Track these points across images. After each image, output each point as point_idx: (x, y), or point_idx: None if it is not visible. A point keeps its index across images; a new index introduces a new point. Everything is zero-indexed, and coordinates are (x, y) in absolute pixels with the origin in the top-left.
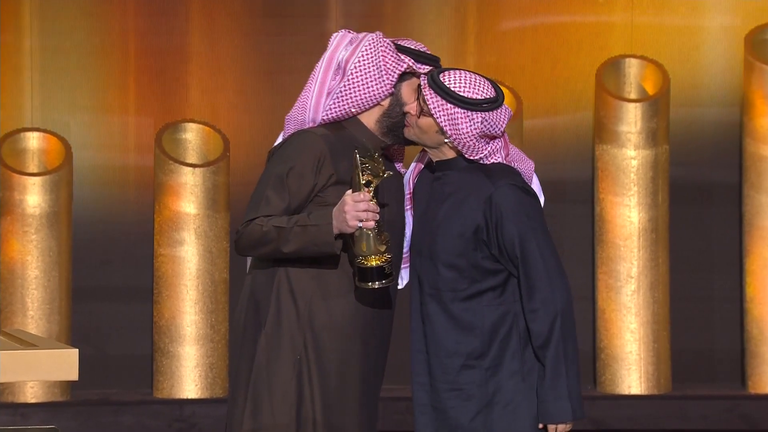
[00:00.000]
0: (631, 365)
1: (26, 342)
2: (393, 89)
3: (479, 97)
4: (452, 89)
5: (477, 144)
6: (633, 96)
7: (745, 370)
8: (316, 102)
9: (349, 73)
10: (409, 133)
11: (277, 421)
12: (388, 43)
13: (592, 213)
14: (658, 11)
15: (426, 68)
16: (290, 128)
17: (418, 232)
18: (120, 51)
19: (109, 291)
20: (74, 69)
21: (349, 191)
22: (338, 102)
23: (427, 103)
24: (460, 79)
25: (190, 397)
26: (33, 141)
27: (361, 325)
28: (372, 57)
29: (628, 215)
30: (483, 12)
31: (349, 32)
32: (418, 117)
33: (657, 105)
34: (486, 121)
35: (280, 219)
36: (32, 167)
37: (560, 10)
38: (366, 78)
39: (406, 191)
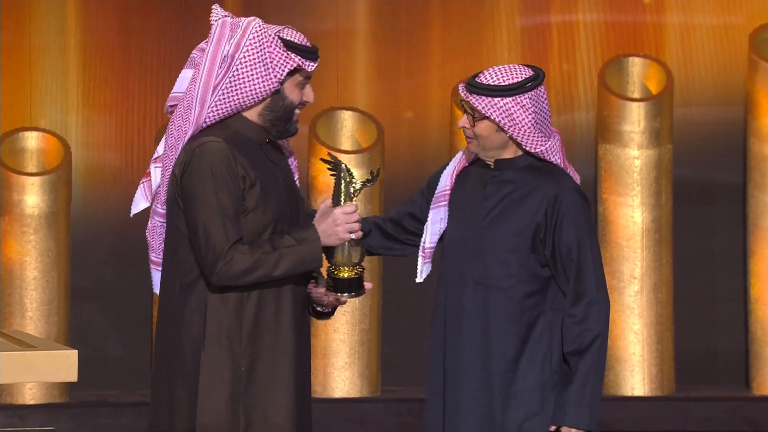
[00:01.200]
0: (635, 367)
1: (25, 343)
2: (279, 86)
3: (520, 79)
4: (493, 84)
5: (536, 134)
6: (636, 95)
7: (749, 371)
8: (202, 98)
9: (234, 69)
10: (473, 147)
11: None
12: (273, 37)
13: (595, 213)
14: (661, 10)
15: (311, 64)
16: (173, 129)
17: (460, 227)
18: (119, 50)
19: (108, 292)
20: (73, 68)
21: (327, 201)
22: (223, 98)
23: (477, 108)
24: (496, 73)
25: None
26: (32, 141)
27: (291, 321)
28: (258, 53)
29: (631, 215)
30: (484, 11)
31: (228, 18)
32: (473, 126)
33: (660, 104)
34: (534, 100)
35: (262, 243)
36: (31, 167)
37: (562, 8)
38: (252, 74)
39: (447, 186)
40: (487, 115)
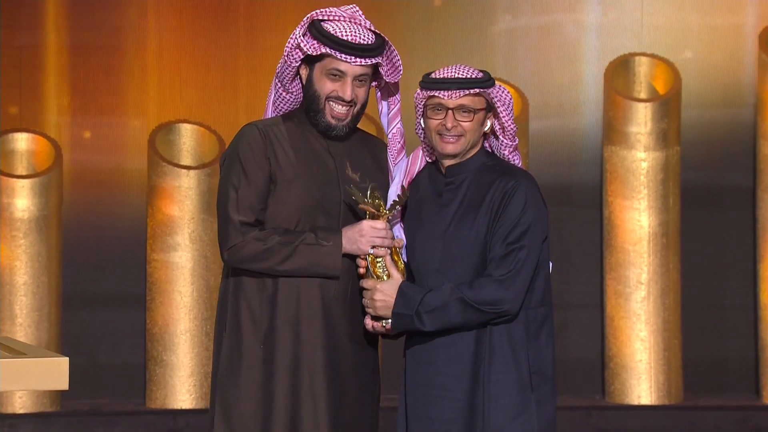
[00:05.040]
0: (641, 374)
1: (15, 350)
2: (296, 65)
3: (483, 72)
4: (479, 77)
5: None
6: (643, 96)
7: (759, 379)
8: (272, 86)
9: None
10: (457, 147)
11: (245, 423)
12: (309, 18)
13: (601, 217)
14: (669, 9)
15: (315, 46)
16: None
17: (422, 240)
18: (112, 50)
19: (101, 297)
20: (64, 68)
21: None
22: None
23: (492, 96)
24: (463, 68)
25: (184, 407)
26: (22, 142)
27: (320, 317)
28: (292, 35)
29: (637, 219)
30: (488, 10)
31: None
32: (470, 121)
33: (668, 105)
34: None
35: (281, 233)
36: (21, 169)
37: (568, 7)
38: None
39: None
40: (495, 103)
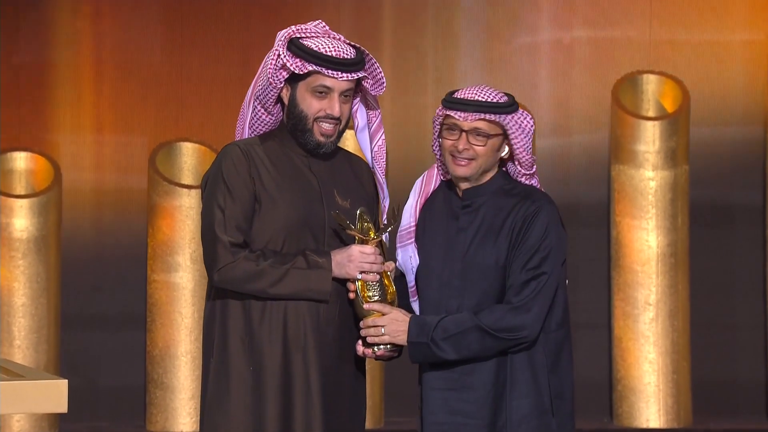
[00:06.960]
0: (650, 397)
1: (13, 372)
2: (280, 86)
3: (506, 96)
4: (500, 101)
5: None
6: (651, 114)
7: None
8: (247, 101)
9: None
10: (468, 170)
11: None
12: (286, 36)
13: (609, 236)
14: (677, 25)
15: (301, 65)
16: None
17: (438, 263)
18: (112, 68)
19: (100, 319)
20: (64, 86)
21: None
22: (254, 100)
23: (504, 124)
24: (485, 91)
25: (185, 430)
26: (20, 161)
27: (312, 338)
28: (270, 53)
29: (646, 239)
30: (494, 27)
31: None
32: (483, 145)
33: (676, 123)
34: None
35: (272, 255)
36: (19, 189)
37: (574, 24)
38: (260, 71)
39: (411, 223)
40: (509, 131)
